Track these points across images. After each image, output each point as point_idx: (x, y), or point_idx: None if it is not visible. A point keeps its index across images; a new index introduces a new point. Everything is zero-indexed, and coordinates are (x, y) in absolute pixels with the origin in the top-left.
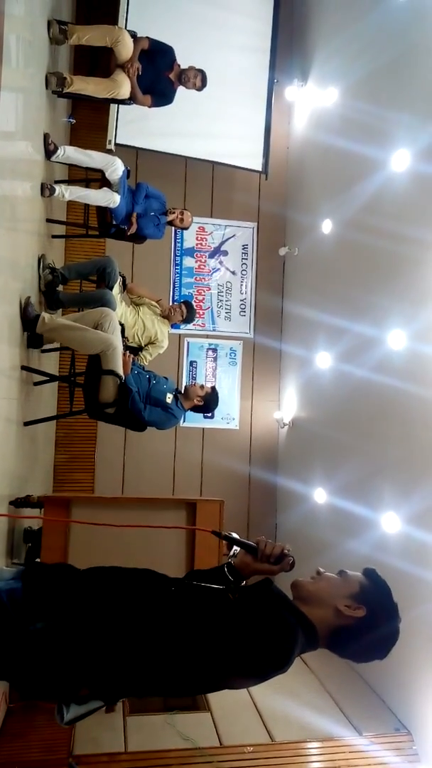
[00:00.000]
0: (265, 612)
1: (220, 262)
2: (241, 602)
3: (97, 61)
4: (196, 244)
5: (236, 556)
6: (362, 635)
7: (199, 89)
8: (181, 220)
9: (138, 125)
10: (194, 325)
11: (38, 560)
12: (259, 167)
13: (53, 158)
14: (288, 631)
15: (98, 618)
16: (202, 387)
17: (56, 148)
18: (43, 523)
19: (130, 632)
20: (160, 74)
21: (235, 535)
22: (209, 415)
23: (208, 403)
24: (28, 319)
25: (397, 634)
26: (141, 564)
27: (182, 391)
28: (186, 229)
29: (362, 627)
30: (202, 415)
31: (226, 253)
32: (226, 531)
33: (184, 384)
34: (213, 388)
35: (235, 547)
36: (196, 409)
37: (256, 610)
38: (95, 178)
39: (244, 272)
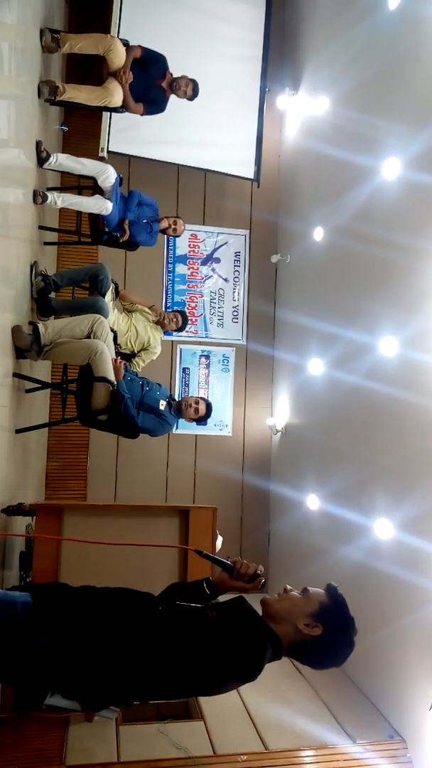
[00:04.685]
0: (240, 629)
1: (213, 270)
2: (219, 619)
3: (89, 70)
4: (189, 252)
5: (225, 563)
6: (319, 650)
7: (191, 98)
8: (174, 229)
9: (130, 133)
10: (187, 331)
11: (30, 579)
12: (251, 175)
13: (45, 165)
14: (260, 646)
15: (94, 636)
16: (196, 411)
17: (49, 156)
18: (35, 531)
19: (121, 648)
20: (152, 83)
21: (215, 554)
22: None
23: (199, 420)
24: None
25: (352, 646)
26: (134, 575)
27: (176, 399)
28: (178, 236)
29: (319, 643)
30: (194, 422)
31: (218, 260)
32: (207, 551)
33: (177, 391)
34: (208, 408)
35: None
36: None
37: (233, 628)
38: (87, 186)
39: (236, 279)
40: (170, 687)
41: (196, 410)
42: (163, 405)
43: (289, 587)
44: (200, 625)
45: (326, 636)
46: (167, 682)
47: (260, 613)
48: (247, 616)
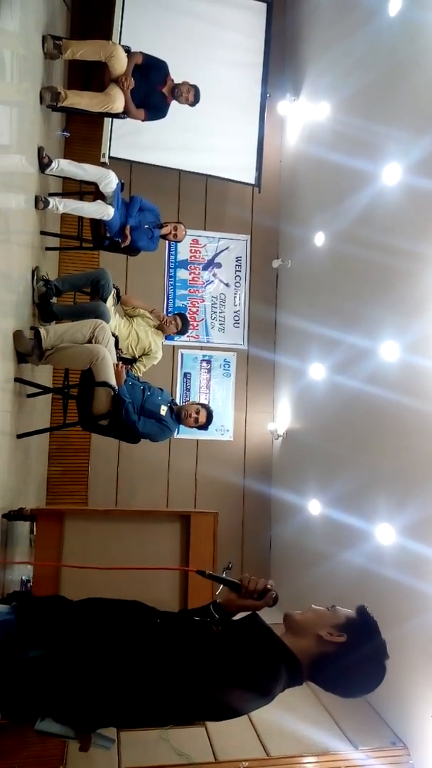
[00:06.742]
0: (250, 646)
1: (214, 275)
2: (226, 636)
3: (90, 76)
4: (190, 257)
5: (232, 581)
6: (343, 663)
7: (192, 104)
8: (175, 234)
9: (132, 139)
10: (188, 336)
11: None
12: (252, 180)
13: (47, 171)
14: (271, 666)
15: (87, 648)
16: (196, 420)
17: (50, 161)
18: (36, 536)
19: (115, 663)
20: (153, 89)
21: (222, 573)
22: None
23: (200, 426)
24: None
25: (383, 670)
26: (134, 581)
27: (177, 404)
28: (179, 242)
29: (343, 654)
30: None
31: (219, 265)
32: (210, 570)
33: (178, 396)
34: (208, 415)
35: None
36: None
37: (241, 644)
38: (89, 191)
39: (237, 284)
40: (167, 708)
41: (196, 420)
42: (164, 410)
43: (314, 606)
44: (202, 640)
45: (350, 646)
46: (162, 701)
47: (280, 631)
48: (259, 632)
